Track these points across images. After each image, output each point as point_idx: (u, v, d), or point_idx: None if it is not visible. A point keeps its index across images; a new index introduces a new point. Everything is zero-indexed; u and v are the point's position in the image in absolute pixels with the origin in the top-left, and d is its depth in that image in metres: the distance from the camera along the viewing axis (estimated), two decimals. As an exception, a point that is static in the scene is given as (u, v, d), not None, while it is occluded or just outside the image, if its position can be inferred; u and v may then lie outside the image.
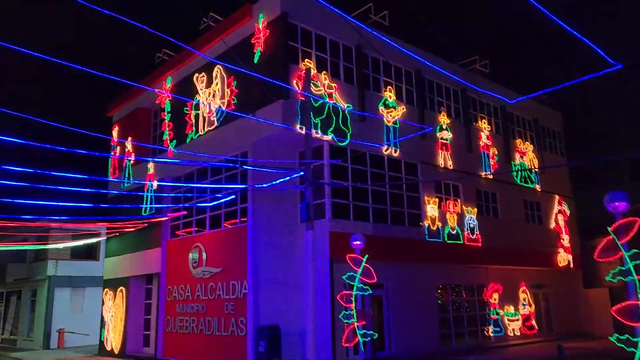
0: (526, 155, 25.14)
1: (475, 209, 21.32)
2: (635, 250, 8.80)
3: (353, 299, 13.64)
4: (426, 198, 19.25)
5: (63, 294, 27.55)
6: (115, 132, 23.92)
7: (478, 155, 22.30)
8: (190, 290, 18.32)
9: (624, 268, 8.81)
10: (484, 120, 23.23)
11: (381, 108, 18.42)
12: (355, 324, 13.46)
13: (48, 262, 27.17)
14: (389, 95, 18.83)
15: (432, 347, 18.31)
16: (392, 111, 18.72)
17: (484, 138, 22.80)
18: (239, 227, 16.82)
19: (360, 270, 13.72)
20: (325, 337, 15.15)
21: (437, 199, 19.69)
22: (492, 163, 22.83)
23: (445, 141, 20.70)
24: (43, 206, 17.56)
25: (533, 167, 25.07)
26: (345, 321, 13.64)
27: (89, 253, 28.97)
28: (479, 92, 22.82)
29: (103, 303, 23.18)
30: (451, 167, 20.55)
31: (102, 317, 22.99)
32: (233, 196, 16.86)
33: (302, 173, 12.83)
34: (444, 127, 20.83)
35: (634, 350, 8.47)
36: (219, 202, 17.29)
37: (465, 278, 20.70)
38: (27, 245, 25.61)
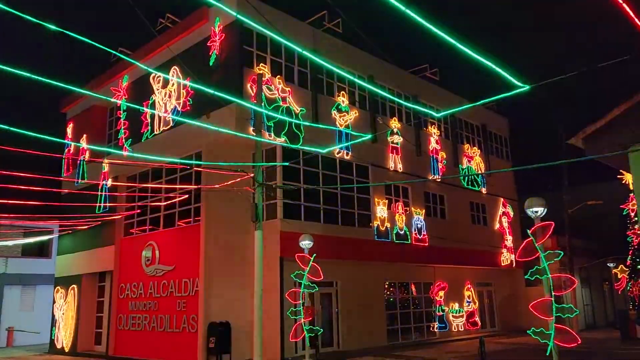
0: (473, 160, 26.34)
1: (423, 211, 22.29)
2: (550, 251, 9.70)
3: (300, 296, 14.23)
4: (376, 199, 20.05)
5: (13, 292, 27.07)
6: (69, 129, 23.73)
7: (427, 158, 23.29)
8: (143, 288, 18.51)
9: (540, 267, 9.70)
10: (433, 125, 24.23)
11: (334, 112, 19.08)
12: (302, 320, 14.06)
13: (-3, 260, 26.62)
14: (342, 100, 19.52)
15: (379, 342, 19.14)
16: (345, 115, 19.41)
17: (433, 142, 23.82)
18: (192, 226, 17.15)
19: (308, 268, 14.32)
20: (274, 332, 15.71)
21: (386, 201, 20.52)
22: (441, 167, 23.87)
23: (395, 145, 21.56)
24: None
25: (479, 172, 26.29)
26: (292, 317, 14.21)
27: (41, 250, 28.53)
28: (430, 98, 23.86)
29: (54, 301, 22.99)
30: (401, 170, 21.42)
31: (53, 315, 22.80)
32: (187, 196, 17.17)
33: (252, 175, 13.30)
34: (395, 132, 21.67)
35: (548, 342, 9.35)
36: (172, 201, 17.57)
37: (412, 276, 21.66)
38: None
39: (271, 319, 15.63)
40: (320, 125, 17.29)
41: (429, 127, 23.91)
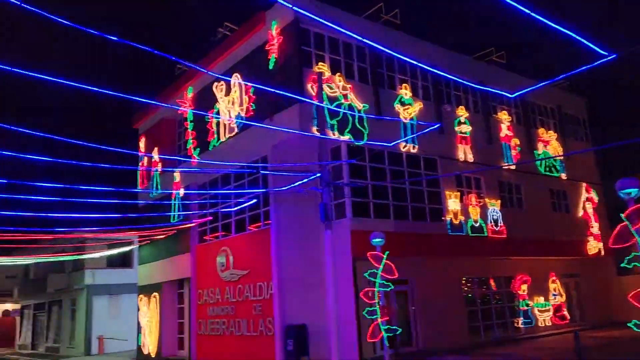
0: (550, 144, 24.85)
1: (499, 201, 21.24)
2: (649, 236, 8.80)
3: (375, 295, 13.89)
4: (447, 192, 19.31)
5: (101, 302, 28.58)
6: (142, 144, 24.72)
7: (499, 146, 22.20)
8: (220, 293, 18.86)
9: (638, 254, 8.83)
10: (503, 111, 23.09)
11: (397, 105, 18.59)
12: (379, 319, 13.71)
13: (85, 272, 28.25)
14: (405, 92, 18.98)
15: (460, 340, 18.37)
16: (409, 108, 18.86)
17: (505, 129, 22.68)
18: (262, 229, 17.25)
19: (381, 267, 13.96)
20: (351, 333, 15.44)
21: (458, 193, 19.73)
22: (514, 154, 22.68)
23: (464, 134, 20.70)
24: (78, 218, 18.39)
25: (558, 156, 24.75)
26: (369, 317, 13.90)
27: (124, 261, 29.96)
28: (498, 83, 22.75)
29: (138, 309, 23.99)
30: (471, 160, 20.54)
31: (138, 323, 23.79)
32: (255, 200, 17.31)
33: (319, 174, 13.14)
34: (463, 121, 20.83)
35: (653, 335, 8.48)
36: (241, 206, 17.78)
37: (491, 270, 20.65)
38: (65, 256, 26.70)
39: (347, 319, 15.38)
40: (384, 118, 16.88)
41: (499, 114, 22.80)
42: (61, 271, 31.06)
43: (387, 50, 13.20)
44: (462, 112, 20.90)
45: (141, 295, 23.86)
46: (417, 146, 18.59)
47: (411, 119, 18.79)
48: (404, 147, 18.26)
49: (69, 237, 23.95)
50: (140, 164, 24.45)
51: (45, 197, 13.65)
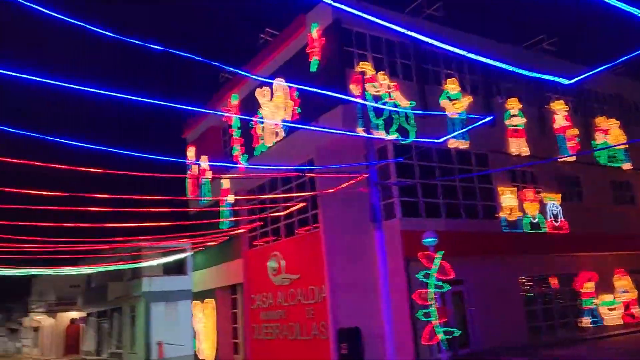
0: (610, 133, 23.51)
1: (558, 195, 20.27)
2: None
3: (430, 296, 13.48)
4: (500, 188, 18.60)
5: (158, 308, 29.32)
6: (191, 152, 25.21)
7: (555, 138, 21.20)
8: (272, 297, 18.88)
9: None
10: (558, 101, 22.05)
11: (444, 101, 18.07)
12: (435, 321, 13.30)
13: (143, 279, 29.06)
14: (452, 87, 18.43)
15: (520, 340, 17.58)
16: (456, 103, 18.30)
17: (560, 119, 21.64)
18: (312, 233, 17.15)
19: (434, 267, 13.55)
20: (407, 336, 15.06)
21: (513, 188, 18.96)
22: (572, 145, 21.59)
23: (516, 127, 19.89)
24: (133, 228, 18.88)
25: (619, 144, 23.38)
26: (424, 319, 13.52)
27: (179, 268, 30.61)
28: (551, 73, 21.72)
29: (194, 315, 24.42)
30: (526, 154, 19.71)
31: (194, 328, 24.21)
32: (304, 203, 17.22)
33: (366, 175, 12.89)
34: (514, 113, 20.03)
35: None
36: (289, 210, 17.74)
37: (552, 268, 19.69)
38: (123, 265, 27.55)
39: (402, 321, 15.01)
40: (431, 112, 16.43)
41: (554, 104, 21.78)
42: (120, 279, 32.13)
43: (437, 43, 12.75)
44: (513, 104, 20.09)
45: (196, 301, 24.28)
46: (467, 142, 17.99)
47: (460, 114, 18.21)
48: (453, 144, 17.72)
49: (126, 247, 24.69)
50: (189, 172, 24.94)
51: (101, 207, 14.04)
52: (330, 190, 14.60)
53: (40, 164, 10.73)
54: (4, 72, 7.39)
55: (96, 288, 36.25)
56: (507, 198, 18.65)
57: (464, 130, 17.73)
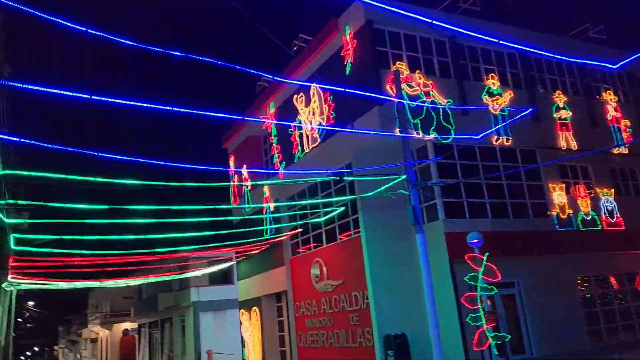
0: (667, 122, 22.13)
1: (612, 190, 19.21)
2: None
3: (478, 300, 12.96)
4: (550, 185, 17.79)
5: (207, 318, 29.65)
6: (231, 162, 25.47)
7: (606, 130, 20.15)
8: (316, 304, 18.69)
9: None
10: (609, 91, 20.97)
11: (485, 97, 17.48)
12: (485, 326, 12.75)
13: (191, 290, 29.48)
14: (492, 82, 17.82)
15: (580, 345, 16.66)
16: (498, 98, 17.66)
17: (612, 110, 20.56)
18: (353, 238, 16.87)
19: (482, 269, 13.03)
20: (456, 342, 14.53)
21: (563, 185, 18.11)
22: (626, 136, 20.46)
23: (564, 121, 19.02)
24: (178, 238, 19.11)
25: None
26: (473, 324, 13.00)
27: (225, 278, 30.90)
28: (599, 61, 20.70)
29: (241, 323, 24.53)
30: (575, 148, 18.80)
31: (242, 337, 24.31)
32: (342, 208, 16.98)
33: (404, 176, 12.54)
34: (561, 106, 19.16)
35: None
36: (329, 216, 17.54)
37: (610, 267, 18.60)
38: (171, 276, 28.03)
39: (450, 326, 14.50)
40: (471, 107, 15.96)
41: (604, 94, 20.72)
42: (169, 290, 32.73)
43: (480, 35, 12.37)
44: (559, 97, 19.24)
45: (242, 310, 24.40)
46: (510, 138, 17.32)
47: (502, 110, 17.57)
48: (496, 141, 17.10)
49: (172, 257, 25.11)
50: (231, 181, 25.18)
51: (147, 219, 14.23)
52: (369, 194, 14.30)
53: (87, 178, 10.92)
54: (44, 89, 7.56)
55: (147, 299, 37.10)
56: (558, 195, 17.82)
57: (502, 125, 17.07)
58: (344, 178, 16.13)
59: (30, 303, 49.03)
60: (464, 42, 17.65)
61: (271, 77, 14.14)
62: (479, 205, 16.26)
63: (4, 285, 19.29)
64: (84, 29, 7.10)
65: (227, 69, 8.79)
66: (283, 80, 18.13)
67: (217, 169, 14.91)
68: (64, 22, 7.04)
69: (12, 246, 13.90)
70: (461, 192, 16.06)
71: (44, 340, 74.15)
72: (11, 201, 9.55)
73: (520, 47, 13.69)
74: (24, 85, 7.55)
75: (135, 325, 42.22)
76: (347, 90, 14.45)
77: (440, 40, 17.37)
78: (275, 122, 21.25)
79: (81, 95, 7.89)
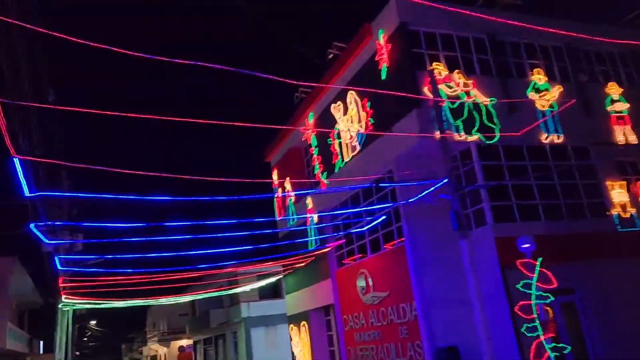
0: None
1: (679, 186, 17.70)
2: None
3: (533, 308, 12.12)
4: (609, 183, 16.60)
5: (258, 333, 29.62)
6: (275, 175, 25.45)
7: (669, 121, 18.66)
8: (364, 317, 18.16)
9: None
10: (669, 79, 19.49)
11: (531, 93, 16.59)
12: (542, 336, 11.89)
13: (241, 305, 29.56)
14: (538, 77, 16.91)
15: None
16: (545, 94, 16.73)
17: (674, 100, 19.05)
18: (398, 247, 16.30)
19: (535, 275, 12.20)
20: (512, 354, 13.62)
21: (624, 182, 16.85)
22: (691, 127, 18.87)
23: (620, 114, 17.78)
24: (223, 253, 19.08)
25: None
26: (529, 335, 12.16)
27: (275, 292, 30.83)
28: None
29: (291, 338, 24.25)
30: (635, 142, 17.51)
31: (292, 353, 24.01)
32: (384, 217, 16.46)
33: (445, 180, 11.96)
34: (616, 98, 17.94)
35: None
36: (370, 226, 17.06)
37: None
38: (220, 292, 28.19)
39: (505, 337, 13.62)
40: (515, 100, 15.12)
41: (664, 83, 19.27)
42: (221, 306, 33.00)
43: (526, 24, 11.78)
44: (613, 89, 18.04)
45: (291, 325, 24.13)
46: (561, 135, 16.32)
47: (550, 106, 16.62)
48: (546, 139, 16.15)
49: (221, 272, 25.21)
50: (275, 195, 25.13)
51: (184, 235, 14.26)
52: (410, 201, 13.76)
53: (136, 197, 10.98)
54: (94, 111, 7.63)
55: (200, 316, 37.58)
56: (618, 193, 16.59)
57: (541, 121, 16.08)
58: (379, 185, 15.63)
59: (93, 322, 50.75)
60: (505, 37, 16.89)
61: (310, 85, 13.95)
62: (530, 208, 15.34)
63: (60, 305, 19.92)
64: (138, 54, 7.09)
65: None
66: (323, 85, 17.95)
67: (259, 181, 14.76)
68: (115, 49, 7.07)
69: (59, 267, 14.26)
70: (510, 195, 15.21)
71: (109, 358, 76.64)
72: (40, 223, 9.74)
73: (567, 33, 12.87)
74: (73, 109, 7.52)
75: (191, 342, 42.86)
76: (386, 92, 14.06)
77: (479, 37, 16.68)
78: (312, 129, 21.05)
79: (129, 114, 7.89)
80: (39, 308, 30.45)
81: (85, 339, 63.53)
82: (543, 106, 16.54)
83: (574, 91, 17.31)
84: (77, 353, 43.47)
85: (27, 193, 7.76)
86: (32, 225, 9.56)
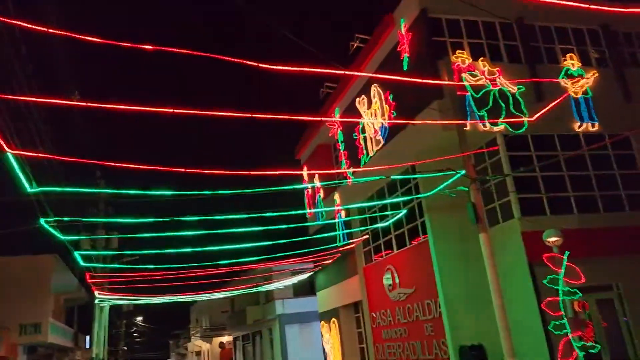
0: None
1: None
2: None
3: (561, 305, 11.47)
4: (650, 173, 15.55)
5: (293, 330, 29.64)
6: (305, 173, 25.36)
7: None
8: (391, 314, 17.81)
9: None
10: None
11: (563, 80, 15.75)
12: (569, 335, 11.23)
13: (276, 302, 29.66)
14: (571, 63, 16.04)
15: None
16: (579, 80, 15.83)
17: None
18: (422, 242, 15.87)
19: (562, 271, 11.54)
20: (541, 352, 12.97)
21: (666, 172, 15.75)
22: None
23: (663, 99, 16.63)
24: (260, 249, 18.95)
25: None
26: (556, 332, 11.53)
27: (309, 289, 30.75)
28: None
29: (322, 335, 24.12)
30: (679, 129, 16.32)
31: (324, 349, 23.88)
32: (405, 211, 16.05)
33: (462, 172, 11.48)
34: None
35: None
36: (392, 220, 16.67)
37: None
38: (254, 288, 28.37)
39: (532, 335, 13.00)
40: (543, 79, 14.38)
41: None
42: (257, 303, 33.26)
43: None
44: (654, 74, 16.89)
45: (322, 322, 23.99)
46: (597, 123, 15.41)
47: (585, 92, 15.73)
48: (579, 127, 15.29)
49: (258, 267, 25.34)
50: (306, 192, 25.05)
51: (199, 231, 14.26)
52: (427, 194, 13.32)
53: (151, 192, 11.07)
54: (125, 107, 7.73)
55: (238, 313, 38.04)
56: (660, 184, 15.51)
57: (555, 102, 15.19)
58: (391, 177, 15.23)
59: (139, 318, 52.37)
60: (535, 22, 16.13)
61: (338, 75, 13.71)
62: (562, 200, 14.56)
63: (96, 301, 20.53)
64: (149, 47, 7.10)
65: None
66: (351, 73, 17.56)
67: (288, 172, 14.52)
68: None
69: (81, 263, 14.65)
70: (540, 187, 14.50)
71: (157, 354, 78.86)
72: (50, 218, 9.98)
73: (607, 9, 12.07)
74: (104, 105, 7.45)
75: (231, 338, 43.50)
76: (409, 79, 13.65)
77: (506, 23, 15.98)
78: (336, 122, 20.80)
79: (164, 110, 7.87)
80: (85, 304, 31.57)
81: (135, 334, 65.57)
82: (576, 93, 15.67)
83: (612, 76, 16.33)
84: (125, 348, 44.82)
85: (28, 189, 7.91)
86: (42, 221, 9.82)
